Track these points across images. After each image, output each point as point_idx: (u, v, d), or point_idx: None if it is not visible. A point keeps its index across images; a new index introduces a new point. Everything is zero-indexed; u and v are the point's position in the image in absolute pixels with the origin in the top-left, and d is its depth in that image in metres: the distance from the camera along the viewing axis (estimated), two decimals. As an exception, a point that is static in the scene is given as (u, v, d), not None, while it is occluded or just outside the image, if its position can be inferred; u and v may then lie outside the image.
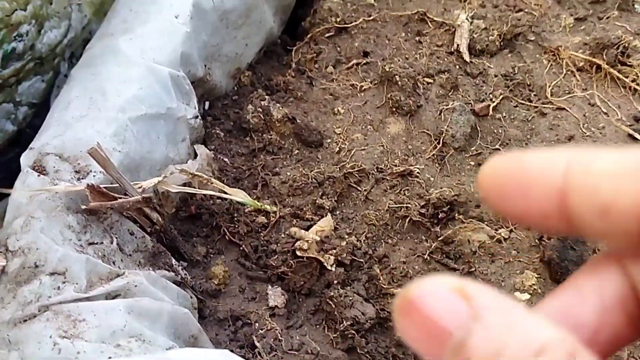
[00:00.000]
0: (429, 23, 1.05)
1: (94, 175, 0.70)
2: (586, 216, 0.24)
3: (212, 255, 0.81)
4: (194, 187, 0.78)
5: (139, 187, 0.72)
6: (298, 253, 0.78)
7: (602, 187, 0.24)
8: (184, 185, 0.78)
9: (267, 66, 1.02)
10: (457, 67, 1.00)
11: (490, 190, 0.26)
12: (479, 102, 0.96)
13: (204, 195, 0.80)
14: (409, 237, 0.84)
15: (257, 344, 0.72)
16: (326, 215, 0.83)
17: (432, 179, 0.89)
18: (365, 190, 0.87)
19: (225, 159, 0.87)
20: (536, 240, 0.83)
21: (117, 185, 0.70)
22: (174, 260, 0.74)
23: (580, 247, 0.81)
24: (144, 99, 0.77)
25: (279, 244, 0.80)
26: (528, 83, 0.99)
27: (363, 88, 0.97)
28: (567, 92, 0.99)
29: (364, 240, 0.82)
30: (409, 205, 0.84)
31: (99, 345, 0.59)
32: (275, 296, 0.77)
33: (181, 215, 0.82)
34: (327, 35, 1.03)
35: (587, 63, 1.01)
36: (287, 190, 0.85)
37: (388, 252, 0.83)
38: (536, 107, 0.97)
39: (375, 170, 0.88)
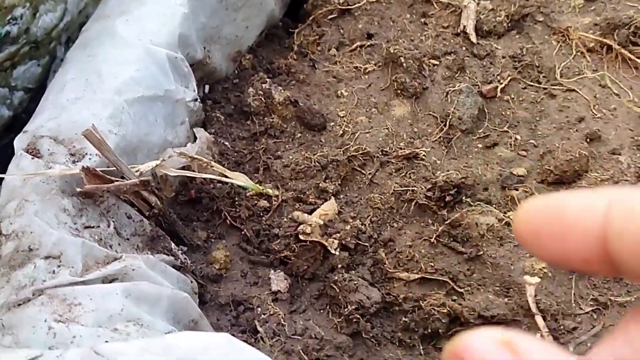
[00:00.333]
0: (435, 4, 1.02)
1: (89, 158, 0.68)
2: (630, 261, 0.23)
3: (212, 240, 0.79)
4: (194, 171, 0.76)
5: (137, 171, 0.70)
6: (301, 237, 0.76)
7: None
8: (183, 168, 0.76)
9: (268, 49, 1.00)
10: (464, 48, 0.97)
11: (527, 236, 0.25)
12: (486, 84, 0.93)
13: (204, 179, 0.78)
14: (415, 221, 0.82)
15: (260, 329, 0.70)
16: (330, 199, 0.81)
17: (438, 161, 0.86)
18: (369, 173, 0.85)
19: (226, 143, 0.85)
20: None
21: (114, 168, 0.68)
22: (173, 244, 0.73)
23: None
24: (141, 80, 0.75)
25: (281, 228, 0.78)
26: (537, 64, 0.96)
27: (367, 70, 0.95)
28: (577, 73, 0.96)
29: (369, 224, 0.80)
30: (415, 189, 0.82)
31: (95, 329, 0.57)
32: (278, 281, 0.75)
33: (181, 200, 0.80)
34: (329, 17, 1.01)
35: (597, 44, 0.98)
36: (290, 173, 0.83)
37: (394, 235, 0.80)
38: (545, 88, 0.94)
39: (380, 153, 0.86)
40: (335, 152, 0.85)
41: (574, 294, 0.77)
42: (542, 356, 0.22)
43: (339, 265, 0.75)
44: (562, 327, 0.74)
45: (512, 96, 0.93)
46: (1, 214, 0.64)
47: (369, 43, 0.98)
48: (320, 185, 0.82)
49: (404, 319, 0.75)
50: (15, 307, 0.59)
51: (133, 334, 0.58)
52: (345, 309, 0.72)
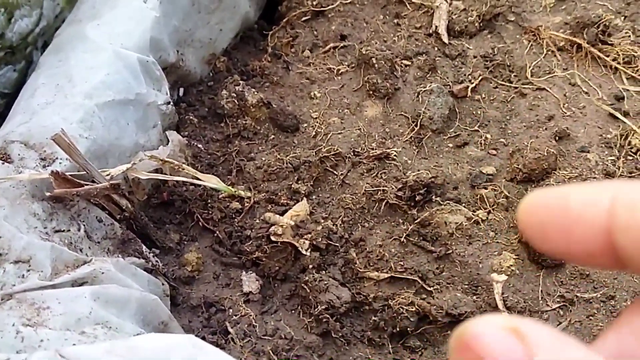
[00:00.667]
0: (408, 5, 1.03)
1: (60, 163, 0.69)
2: (635, 255, 0.23)
3: (185, 242, 0.80)
4: (165, 174, 0.77)
5: (108, 174, 0.71)
6: (273, 238, 0.77)
7: None
8: (155, 171, 0.76)
9: (243, 51, 1.00)
10: (436, 48, 0.98)
11: (531, 228, 0.25)
12: (457, 84, 0.95)
13: (177, 181, 0.79)
14: (385, 220, 0.83)
15: (231, 330, 0.71)
16: (302, 200, 0.82)
17: (409, 161, 0.87)
18: (341, 174, 0.86)
19: (200, 145, 0.86)
20: (514, 222, 0.82)
21: (84, 172, 0.69)
22: (144, 247, 0.73)
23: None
24: (112, 84, 0.75)
25: (253, 230, 0.79)
26: (508, 64, 0.98)
27: (340, 72, 0.96)
28: (547, 72, 0.97)
29: (340, 225, 0.81)
30: (386, 188, 0.83)
31: (63, 332, 0.58)
32: (250, 282, 0.76)
33: (153, 202, 0.81)
34: (303, 19, 1.02)
35: (567, 43, 1.00)
36: (262, 175, 0.84)
37: (364, 235, 0.82)
38: (516, 87, 0.96)
39: (352, 153, 0.87)
40: (307, 153, 0.86)
41: (541, 291, 0.78)
42: (547, 342, 0.22)
43: (310, 266, 0.76)
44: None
45: (483, 95, 0.95)
46: (-29, 220, 0.65)
47: (342, 44, 0.99)
48: (293, 186, 0.83)
49: (373, 318, 0.76)
50: (-16, 311, 0.59)
51: (100, 337, 0.59)
52: (316, 309, 0.73)
